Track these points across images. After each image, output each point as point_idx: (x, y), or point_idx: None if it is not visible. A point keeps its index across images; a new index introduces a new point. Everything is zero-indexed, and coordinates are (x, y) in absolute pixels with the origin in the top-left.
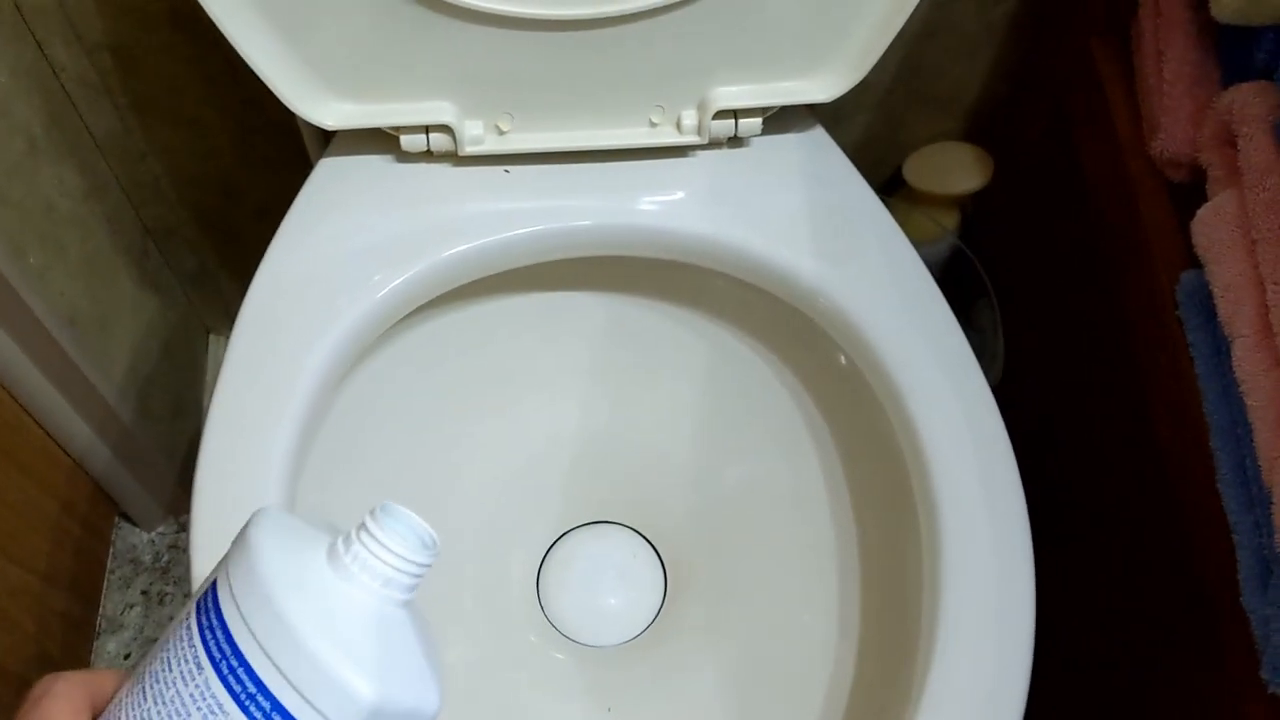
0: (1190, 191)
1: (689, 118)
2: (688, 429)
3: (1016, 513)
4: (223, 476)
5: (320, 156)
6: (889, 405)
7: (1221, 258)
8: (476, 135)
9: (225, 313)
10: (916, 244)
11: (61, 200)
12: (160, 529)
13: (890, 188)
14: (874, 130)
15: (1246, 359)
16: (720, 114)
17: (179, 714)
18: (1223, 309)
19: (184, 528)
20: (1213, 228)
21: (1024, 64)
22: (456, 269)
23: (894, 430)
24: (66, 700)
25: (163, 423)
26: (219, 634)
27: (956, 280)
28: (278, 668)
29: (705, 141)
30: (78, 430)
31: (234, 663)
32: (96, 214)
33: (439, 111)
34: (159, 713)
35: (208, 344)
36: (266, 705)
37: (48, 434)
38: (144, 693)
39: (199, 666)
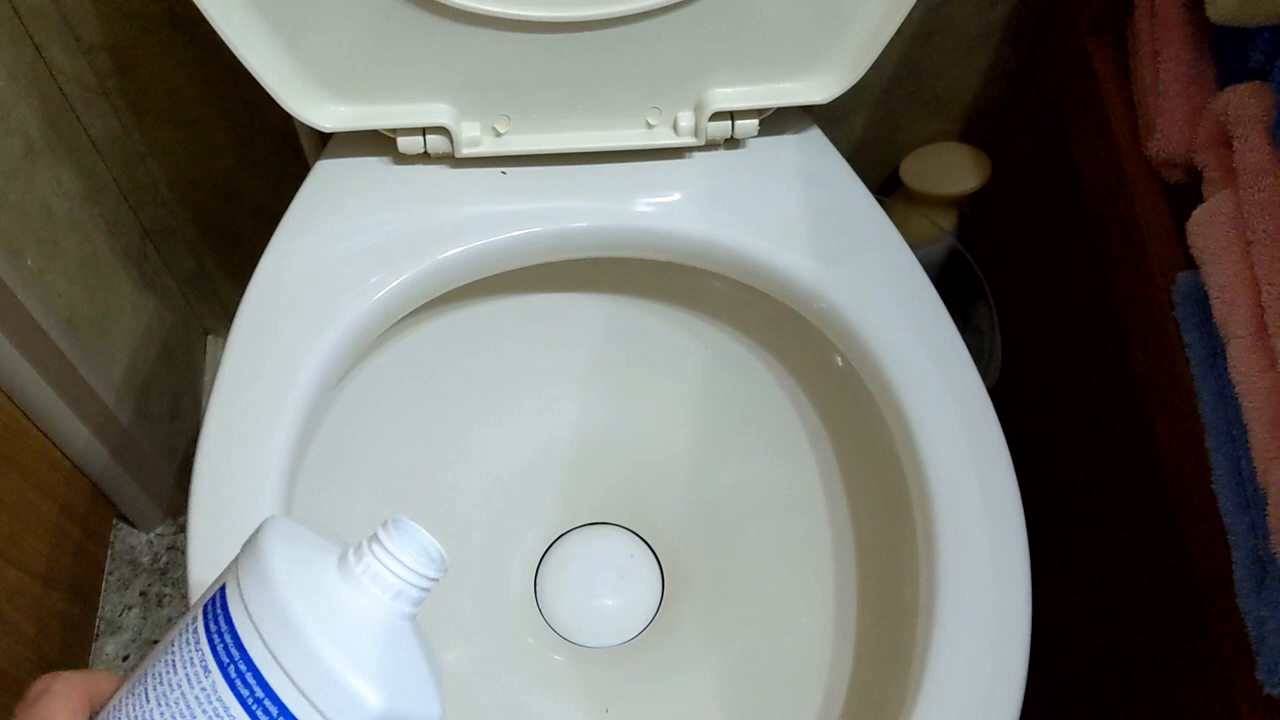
0: (1186, 192)
1: (685, 119)
2: (685, 430)
3: (1012, 513)
4: (220, 478)
5: (317, 158)
6: (885, 406)
7: (1217, 259)
8: (473, 137)
9: (223, 314)
10: (914, 245)
11: (59, 202)
12: (159, 530)
13: (888, 189)
14: (871, 131)
15: (1242, 360)
16: (717, 115)
17: (182, 715)
18: (1218, 310)
19: (182, 529)
20: (1208, 229)
21: (1021, 65)
22: (454, 271)
23: (890, 431)
24: (64, 699)
25: (161, 424)
26: (227, 638)
27: (954, 281)
28: (286, 673)
29: (702, 143)
30: (76, 432)
31: (242, 667)
32: (95, 216)
33: (436, 113)
34: (162, 714)
35: (206, 345)
36: (273, 710)
37: (46, 436)
38: (146, 694)
39: (205, 669)
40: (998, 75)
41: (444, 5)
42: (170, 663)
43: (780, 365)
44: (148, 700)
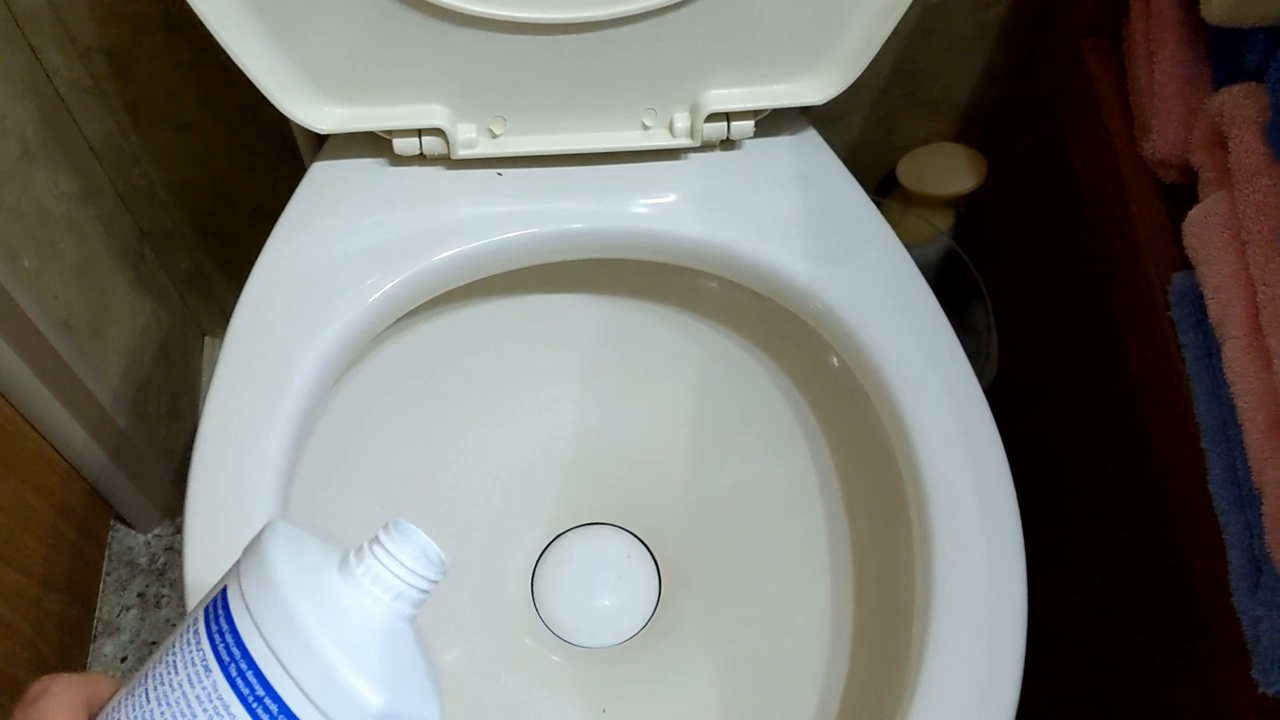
0: (1182, 193)
1: (681, 120)
2: (681, 431)
3: (1008, 514)
4: (217, 479)
5: (313, 160)
6: (881, 407)
7: (1212, 259)
8: (469, 139)
9: (220, 315)
10: (910, 245)
11: (56, 204)
12: (156, 531)
13: (884, 189)
14: (868, 132)
15: (1236, 360)
16: (712, 117)
17: (184, 715)
18: (1213, 310)
19: (180, 530)
20: (1204, 229)
21: (1017, 66)
22: (450, 272)
23: (886, 432)
24: (63, 699)
25: (158, 425)
26: (229, 637)
27: (951, 281)
28: (287, 671)
29: (698, 144)
30: (73, 433)
31: (243, 665)
32: (91, 217)
33: (431, 115)
34: (163, 713)
35: (203, 346)
36: (274, 708)
37: (43, 437)
38: (146, 695)
39: (206, 669)
40: (994, 76)
41: (439, 7)
42: (171, 664)
43: (777, 366)
44: (148, 700)
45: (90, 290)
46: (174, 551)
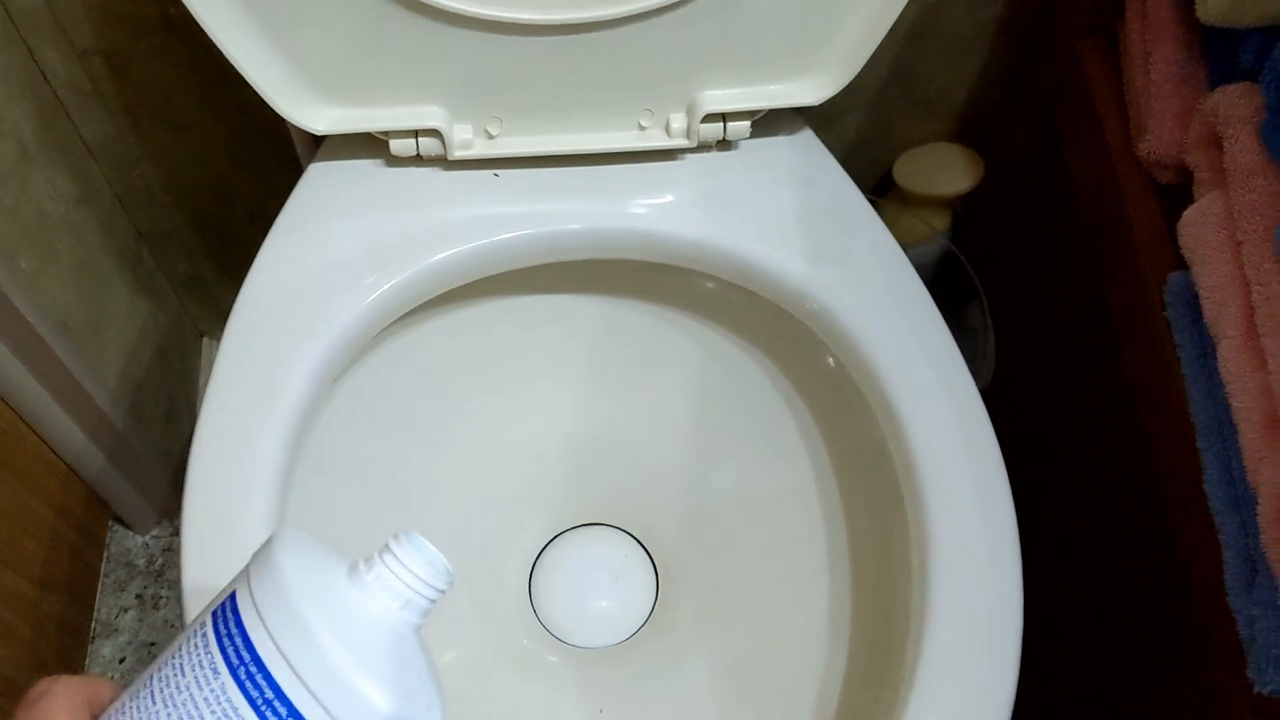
0: (1178, 192)
1: (677, 121)
2: (679, 431)
3: (1004, 513)
4: (213, 481)
5: (310, 161)
6: (877, 407)
7: (1207, 259)
8: (465, 139)
9: (218, 316)
10: (907, 245)
11: (54, 205)
12: (154, 532)
13: (881, 189)
14: (864, 132)
15: (1231, 360)
16: (709, 117)
17: (191, 717)
18: (1208, 310)
19: (178, 531)
20: (1199, 229)
21: (1013, 66)
22: (446, 273)
23: (883, 432)
24: (66, 700)
25: (156, 426)
26: (238, 640)
27: (947, 281)
28: (297, 674)
29: (694, 145)
30: (71, 435)
31: (252, 669)
32: (89, 219)
33: (428, 116)
34: (170, 715)
35: (201, 347)
36: (283, 710)
37: (41, 439)
38: (152, 696)
39: (215, 671)
40: (990, 76)
41: (435, 8)
42: (178, 666)
43: (774, 366)
44: (154, 702)
45: (88, 291)
46: (172, 553)
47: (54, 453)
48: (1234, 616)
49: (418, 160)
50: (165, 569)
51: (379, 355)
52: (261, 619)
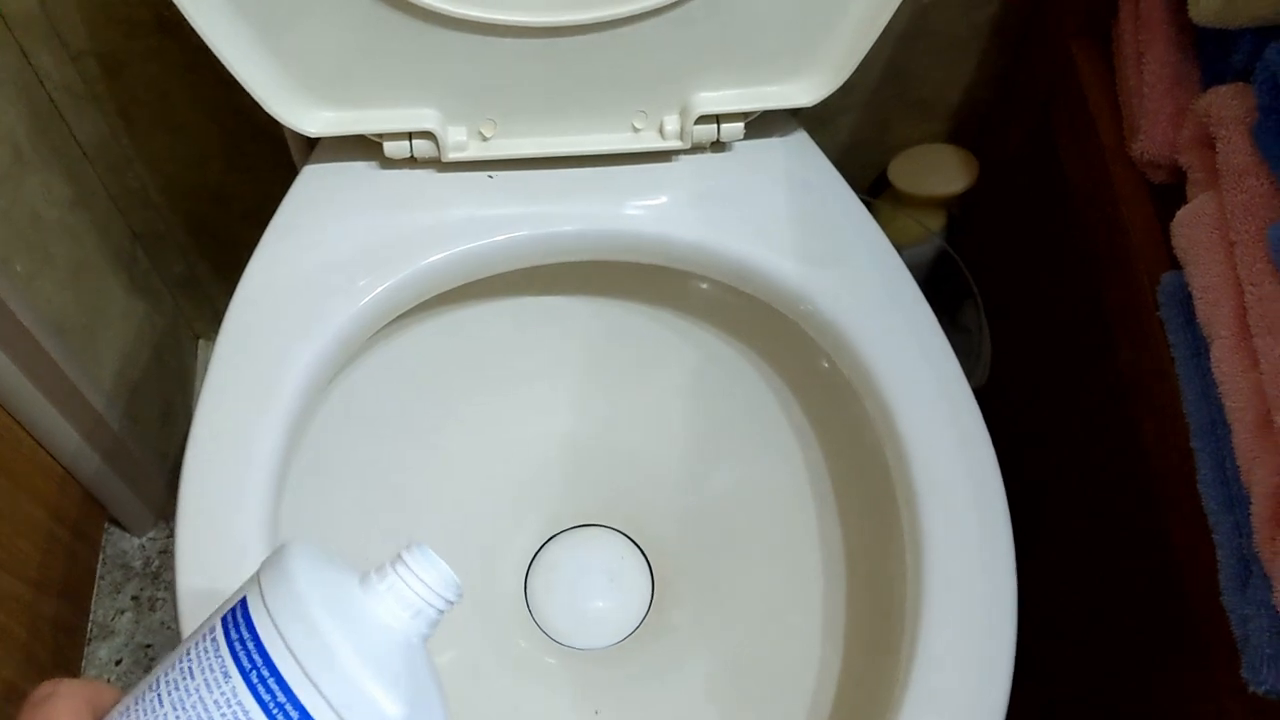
0: (1171, 193)
1: (671, 123)
2: (674, 432)
3: (999, 514)
4: (208, 483)
5: (305, 163)
6: (872, 408)
7: (1200, 259)
8: (460, 141)
9: (214, 318)
10: (902, 246)
11: (48, 208)
12: (150, 534)
13: (876, 190)
14: (859, 133)
15: (1224, 360)
16: (702, 119)
17: (200, 719)
18: (1201, 310)
19: (174, 533)
20: (1192, 229)
21: (1007, 67)
22: (440, 275)
23: (877, 433)
24: (70, 702)
25: (152, 428)
26: (250, 645)
27: (942, 281)
28: (309, 677)
29: (688, 146)
30: (67, 437)
31: (265, 672)
32: (84, 221)
33: (422, 118)
34: (178, 717)
35: (196, 349)
36: (294, 714)
37: (37, 441)
38: (159, 699)
39: (225, 675)
40: (985, 77)
41: (429, 10)
42: (186, 669)
43: (768, 367)
44: (161, 704)
45: (83, 294)
46: (168, 554)
47: (49, 455)
48: (1228, 616)
49: (412, 162)
50: (161, 571)
51: (374, 357)
52: (274, 623)
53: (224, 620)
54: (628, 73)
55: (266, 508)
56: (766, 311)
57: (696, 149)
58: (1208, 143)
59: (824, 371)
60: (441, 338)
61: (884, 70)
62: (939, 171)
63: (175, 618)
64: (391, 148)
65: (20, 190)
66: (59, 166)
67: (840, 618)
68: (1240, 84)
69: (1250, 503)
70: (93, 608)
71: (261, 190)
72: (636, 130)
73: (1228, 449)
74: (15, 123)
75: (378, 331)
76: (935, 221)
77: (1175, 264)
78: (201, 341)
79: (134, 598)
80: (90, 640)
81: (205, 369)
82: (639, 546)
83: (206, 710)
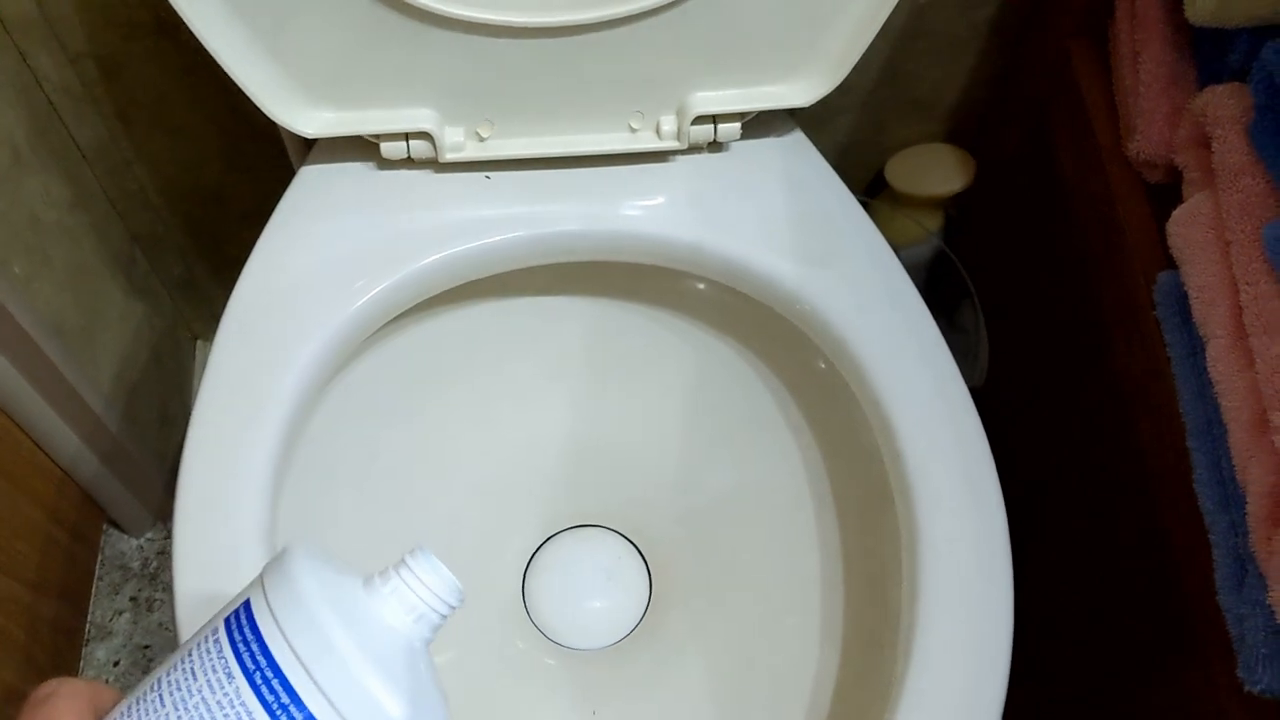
0: (1167, 192)
1: (668, 123)
2: (671, 432)
3: (995, 513)
4: (205, 484)
5: (302, 164)
6: (869, 408)
7: (1196, 259)
8: (457, 142)
9: (213, 319)
10: (899, 246)
11: (47, 210)
12: (149, 535)
13: (873, 190)
14: (856, 133)
15: (1220, 360)
16: (699, 119)
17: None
18: (1197, 310)
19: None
20: (1188, 229)
21: (1004, 67)
22: (438, 275)
23: (874, 433)
24: (71, 701)
25: (150, 429)
26: (253, 646)
27: (939, 281)
28: (313, 678)
29: (685, 146)
30: (65, 438)
31: (268, 673)
32: (83, 223)
33: (419, 119)
34: (180, 718)
35: (195, 350)
36: (298, 715)
37: (35, 443)
38: (161, 699)
39: (229, 675)
40: (982, 77)
41: (425, 11)
42: (189, 670)
43: (765, 367)
44: (163, 704)
45: (82, 296)
46: (166, 555)
47: (48, 457)
48: (1224, 615)
49: (409, 163)
50: (160, 572)
51: (371, 357)
52: (278, 625)
53: (227, 622)
54: (624, 73)
55: (264, 509)
56: (764, 312)
57: (693, 149)
58: (1204, 142)
59: (821, 372)
60: (439, 338)
61: (881, 70)
62: (936, 171)
63: (173, 619)
64: (388, 148)
65: (19, 192)
66: (57, 168)
67: (837, 617)
68: (1236, 83)
69: (1246, 502)
70: (91, 609)
71: (260, 191)
72: (633, 130)
73: (1224, 448)
74: (14, 125)
75: (375, 332)
76: (932, 221)
77: (1171, 263)
78: (200, 342)
79: (132, 599)
80: (88, 641)
81: (203, 370)
82: (637, 547)
83: (209, 711)
